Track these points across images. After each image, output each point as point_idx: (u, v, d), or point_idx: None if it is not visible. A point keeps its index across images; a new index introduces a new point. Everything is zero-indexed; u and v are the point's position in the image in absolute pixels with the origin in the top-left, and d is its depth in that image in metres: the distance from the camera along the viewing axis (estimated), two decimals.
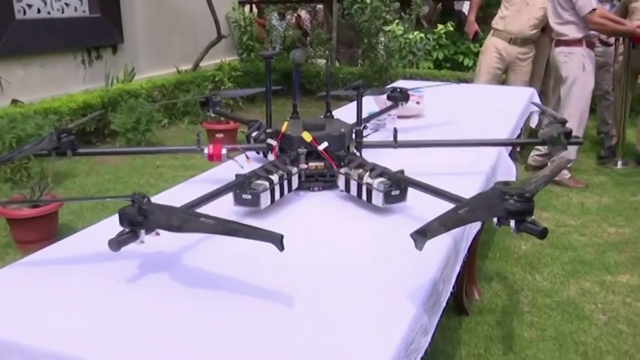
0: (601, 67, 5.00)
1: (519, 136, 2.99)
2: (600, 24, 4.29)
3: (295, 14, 10.43)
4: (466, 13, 8.84)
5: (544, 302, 2.87)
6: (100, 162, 5.08)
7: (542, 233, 1.17)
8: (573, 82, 4.35)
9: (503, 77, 5.16)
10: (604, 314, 2.77)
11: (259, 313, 1.13)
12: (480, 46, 5.81)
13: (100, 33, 6.50)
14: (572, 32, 4.31)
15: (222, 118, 5.30)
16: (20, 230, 3.49)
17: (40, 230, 3.47)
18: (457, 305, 2.72)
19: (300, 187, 1.75)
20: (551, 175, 1.44)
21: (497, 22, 4.95)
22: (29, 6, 5.80)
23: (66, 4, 6.18)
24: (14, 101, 5.47)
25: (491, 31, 5.02)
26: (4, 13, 5.47)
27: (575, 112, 4.29)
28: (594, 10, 4.18)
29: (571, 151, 4.19)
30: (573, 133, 1.94)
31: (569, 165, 4.41)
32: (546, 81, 5.04)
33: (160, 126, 6.24)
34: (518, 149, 4.94)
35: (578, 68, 4.33)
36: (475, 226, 1.77)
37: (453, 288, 1.49)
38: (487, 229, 2.08)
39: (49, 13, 6.01)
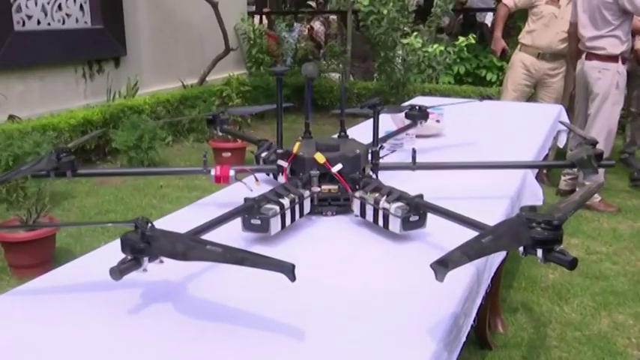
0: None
1: (546, 157, 2.98)
2: None
3: (308, 26, 10.51)
4: (489, 25, 8.90)
5: (573, 336, 2.84)
6: (101, 182, 5.11)
7: (572, 263, 1.17)
8: (605, 99, 4.33)
9: (531, 93, 5.16)
10: (638, 349, 2.74)
11: (267, 349, 1.13)
12: (505, 60, 5.82)
13: (102, 45, 6.58)
14: (610, 47, 4.29)
15: (230, 137, 5.33)
16: (15, 254, 3.51)
17: (36, 254, 3.49)
18: (480, 339, 2.70)
19: (312, 212, 1.75)
20: (582, 200, 1.43)
21: (524, 37, 4.98)
22: (29, 17, 5.90)
23: (67, 15, 6.27)
24: (11, 117, 5.53)
25: (518, 46, 5.06)
26: (2, 24, 5.56)
27: (602, 131, 4.28)
28: None
29: (600, 174, 4.17)
30: None
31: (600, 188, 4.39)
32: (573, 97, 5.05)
33: (164, 144, 6.28)
34: (545, 171, 4.93)
35: (611, 85, 4.32)
36: (499, 255, 1.77)
37: (474, 321, 1.48)
38: (511, 257, 2.07)
39: (49, 24, 6.10)
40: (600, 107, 4.35)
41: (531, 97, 5.20)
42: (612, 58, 4.31)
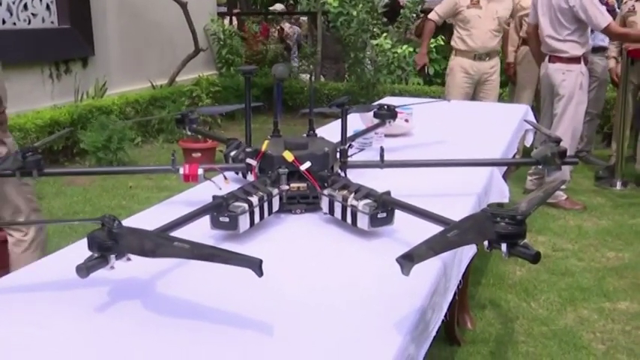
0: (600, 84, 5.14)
1: (514, 156, 3.02)
2: (623, 33, 4.56)
3: (278, 27, 10.51)
4: None
5: (540, 331, 2.88)
6: (69, 183, 5.05)
7: (535, 257, 1.19)
8: (570, 99, 4.41)
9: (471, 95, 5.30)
10: (603, 343, 2.79)
11: (236, 345, 1.13)
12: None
13: (69, 45, 6.49)
14: (572, 49, 4.38)
15: (200, 137, 5.30)
16: None
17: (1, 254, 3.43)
18: (448, 335, 2.73)
19: (281, 210, 1.76)
20: (545, 196, 1.46)
21: (456, 43, 5.17)
22: None
23: (33, 15, 6.18)
24: None
25: (453, 52, 5.22)
26: None
27: (568, 131, 4.36)
28: (610, 22, 4.27)
29: (565, 172, 4.25)
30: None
31: (564, 186, 4.47)
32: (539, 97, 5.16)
33: (133, 144, 6.23)
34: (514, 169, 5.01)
35: (575, 86, 4.41)
36: (469, 252, 1.79)
37: (445, 317, 1.50)
38: (480, 254, 2.09)
39: (14, 24, 6.01)
40: (565, 108, 4.44)
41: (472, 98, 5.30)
42: (575, 60, 4.40)
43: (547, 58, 4.54)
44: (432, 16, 5.26)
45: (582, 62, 4.42)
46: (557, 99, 4.48)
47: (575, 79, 4.41)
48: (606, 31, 4.35)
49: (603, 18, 4.24)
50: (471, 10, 4.99)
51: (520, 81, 5.47)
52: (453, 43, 5.21)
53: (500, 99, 5.60)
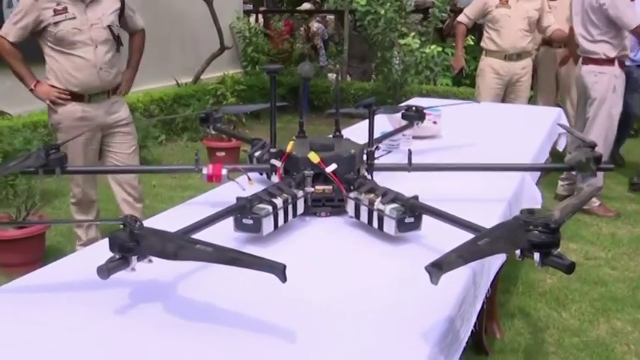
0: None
1: (546, 161, 2.98)
2: None
3: (304, 26, 10.51)
4: None
5: (571, 342, 2.83)
6: None
7: (570, 268, 1.16)
8: (602, 103, 4.34)
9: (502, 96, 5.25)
10: (637, 356, 2.73)
11: (258, 351, 1.12)
12: None
13: None
14: (605, 51, 4.30)
15: (224, 136, 5.32)
16: (5, 252, 3.50)
17: (26, 253, 3.48)
18: (476, 344, 2.69)
19: (305, 213, 1.75)
20: (580, 203, 1.43)
21: (486, 43, 5.13)
22: None
23: None
24: (1, 113, 5.50)
25: (483, 52, 5.18)
26: None
27: (600, 135, 4.28)
28: None
29: (599, 178, 4.18)
30: None
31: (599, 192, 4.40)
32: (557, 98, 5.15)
33: (157, 142, 6.27)
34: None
35: (608, 89, 4.33)
36: (498, 260, 1.76)
37: (474, 326, 1.48)
38: (509, 261, 2.07)
39: None
40: (597, 111, 4.36)
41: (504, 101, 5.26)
42: (608, 62, 4.33)
43: (580, 60, 4.48)
44: (461, 18, 5.25)
45: (616, 65, 4.34)
46: (590, 102, 4.41)
47: (608, 82, 4.33)
48: (635, 31, 4.26)
49: (634, 18, 4.16)
50: (500, 10, 4.95)
51: (540, 81, 5.43)
52: (482, 43, 5.18)
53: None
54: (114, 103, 3.37)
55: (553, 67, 5.20)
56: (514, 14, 4.92)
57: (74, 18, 3.12)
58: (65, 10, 3.11)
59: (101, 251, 1.27)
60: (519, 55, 5.02)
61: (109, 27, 3.24)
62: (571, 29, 4.62)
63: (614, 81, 4.34)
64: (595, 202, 4.43)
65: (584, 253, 3.81)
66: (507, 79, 5.06)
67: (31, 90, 3.28)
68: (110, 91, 3.35)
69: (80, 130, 3.16)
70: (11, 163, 1.85)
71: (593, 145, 1.96)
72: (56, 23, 3.11)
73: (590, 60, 4.39)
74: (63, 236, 3.93)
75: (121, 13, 3.36)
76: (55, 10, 3.10)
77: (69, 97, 3.22)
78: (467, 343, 1.39)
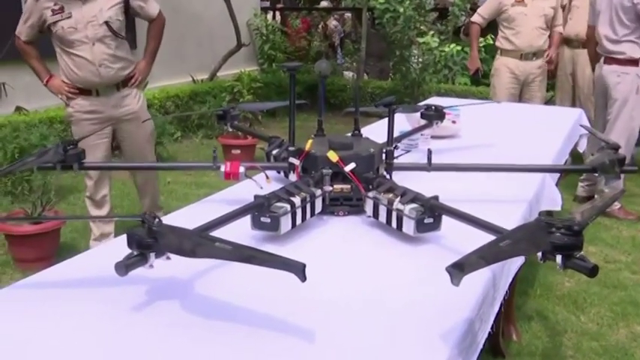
0: None
1: (565, 162, 2.96)
2: None
3: (322, 23, 10.51)
4: None
5: (590, 346, 2.81)
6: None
7: (593, 271, 1.15)
8: (624, 104, 4.30)
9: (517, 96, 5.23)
10: None
11: (276, 350, 1.12)
12: None
13: None
14: (629, 51, 4.26)
15: (239, 133, 5.33)
16: (19, 248, 3.53)
17: (41, 248, 3.51)
18: (492, 347, 2.68)
19: (323, 212, 1.74)
20: (603, 206, 1.42)
21: (501, 43, 5.10)
22: None
23: None
24: (18, 109, 5.55)
25: (498, 52, 5.15)
26: (10, 15, 5.57)
27: (622, 137, 4.24)
28: None
29: (620, 180, 4.14)
30: None
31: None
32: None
33: (173, 139, 6.29)
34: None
35: (631, 90, 4.29)
36: (517, 261, 1.75)
37: (491, 328, 1.47)
38: (527, 263, 2.05)
39: None
40: (619, 112, 4.32)
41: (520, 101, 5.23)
42: (632, 62, 4.28)
43: (602, 60, 4.43)
44: (475, 18, 5.21)
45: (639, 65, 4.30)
46: (611, 102, 4.36)
47: (631, 83, 4.29)
48: None
49: None
50: (515, 8, 4.91)
51: (557, 80, 5.40)
52: (497, 43, 5.15)
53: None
54: (124, 97, 3.41)
55: (570, 66, 5.17)
56: (530, 12, 4.89)
57: (70, 17, 3.17)
58: (62, 9, 3.16)
59: (116, 248, 1.28)
60: (535, 55, 4.99)
61: (107, 23, 3.23)
62: (589, 28, 4.59)
63: (637, 81, 4.29)
64: (615, 205, 4.39)
65: (604, 256, 3.78)
66: (523, 78, 5.03)
67: (45, 84, 3.36)
68: (120, 84, 3.38)
69: (90, 122, 3.27)
70: (29, 158, 1.86)
71: (616, 147, 1.94)
72: (55, 23, 3.18)
73: (613, 60, 4.35)
74: (77, 232, 3.96)
75: (126, 6, 3.33)
76: (52, 10, 3.17)
77: (77, 92, 3.30)
78: (484, 345, 1.38)
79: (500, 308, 1.58)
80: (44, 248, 3.52)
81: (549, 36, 5.04)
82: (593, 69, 4.63)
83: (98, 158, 3.29)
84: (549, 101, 5.47)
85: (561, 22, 5.08)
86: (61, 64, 3.31)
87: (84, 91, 3.31)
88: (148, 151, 3.58)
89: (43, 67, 3.40)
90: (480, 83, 7.98)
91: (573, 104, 5.13)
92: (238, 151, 5.61)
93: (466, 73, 7.90)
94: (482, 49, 6.82)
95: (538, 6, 4.89)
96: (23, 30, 3.28)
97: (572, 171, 4.75)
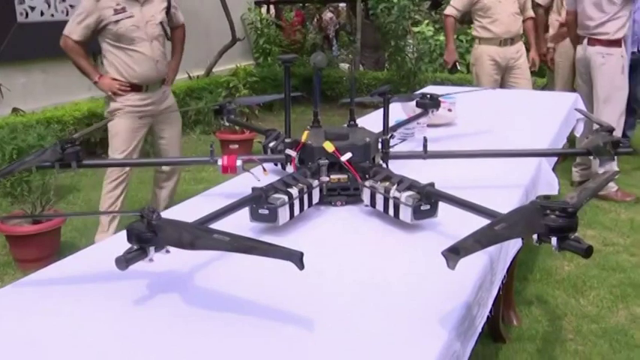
0: None
1: (563, 147, 2.97)
2: None
3: (317, 16, 10.50)
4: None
5: (590, 329, 2.83)
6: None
7: (587, 251, 1.17)
8: (611, 85, 4.32)
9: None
10: None
11: (278, 338, 1.14)
12: None
13: None
14: (614, 31, 4.28)
15: (237, 128, 5.33)
16: (20, 248, 3.54)
17: (42, 248, 3.52)
18: (493, 331, 2.70)
19: (321, 202, 1.76)
20: (597, 187, 1.43)
21: (478, 32, 5.08)
22: (32, 8, 5.90)
23: (70, 6, 6.27)
24: (15, 110, 5.55)
25: (477, 41, 5.13)
26: (5, 16, 5.58)
27: (613, 118, 4.25)
28: None
29: (614, 162, 4.15)
30: None
31: (616, 177, 4.36)
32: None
33: None
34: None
35: (615, 70, 4.31)
36: (514, 245, 1.77)
37: (490, 312, 1.48)
38: (526, 248, 2.07)
39: (52, 15, 6.11)
40: (608, 93, 4.34)
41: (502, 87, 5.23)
42: (615, 43, 4.31)
43: (585, 41, 4.43)
44: (449, 11, 5.14)
45: (623, 45, 4.33)
46: (597, 84, 4.38)
47: (616, 63, 4.31)
48: None
49: None
50: None
51: (557, 67, 5.39)
52: (475, 32, 5.14)
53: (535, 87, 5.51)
54: (164, 92, 3.76)
55: (570, 53, 5.16)
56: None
57: (132, 16, 3.46)
58: (124, 9, 3.44)
59: (116, 244, 1.29)
60: (512, 40, 4.98)
61: (161, 23, 3.64)
62: (569, 13, 4.60)
63: (621, 61, 4.32)
64: (613, 187, 4.41)
65: (603, 239, 3.79)
66: (504, 64, 5.02)
67: (95, 82, 3.59)
68: (163, 80, 3.74)
69: (137, 115, 3.57)
70: (27, 158, 1.87)
71: (610, 130, 1.95)
72: (117, 21, 3.43)
73: (597, 41, 4.36)
74: (77, 231, 3.97)
75: (168, 10, 3.75)
76: (115, 10, 3.43)
77: (129, 88, 3.54)
78: (482, 329, 1.40)
79: (499, 292, 1.60)
80: (45, 248, 3.54)
81: (523, 22, 5.04)
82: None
83: (136, 148, 3.60)
84: (545, 88, 5.46)
85: (530, 7, 5.09)
86: (114, 62, 3.52)
87: (135, 87, 3.56)
88: (180, 145, 3.96)
89: (92, 67, 3.62)
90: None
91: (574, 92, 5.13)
92: (236, 146, 5.61)
93: (462, 62, 7.91)
94: (464, 41, 6.78)
95: None
96: (77, 30, 3.44)
97: (567, 154, 4.77)
